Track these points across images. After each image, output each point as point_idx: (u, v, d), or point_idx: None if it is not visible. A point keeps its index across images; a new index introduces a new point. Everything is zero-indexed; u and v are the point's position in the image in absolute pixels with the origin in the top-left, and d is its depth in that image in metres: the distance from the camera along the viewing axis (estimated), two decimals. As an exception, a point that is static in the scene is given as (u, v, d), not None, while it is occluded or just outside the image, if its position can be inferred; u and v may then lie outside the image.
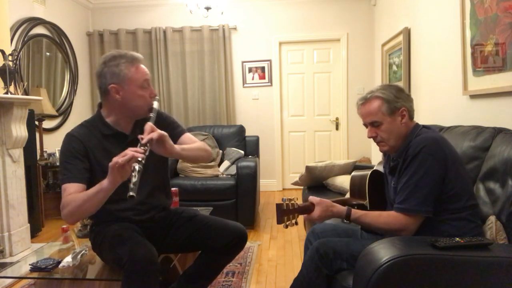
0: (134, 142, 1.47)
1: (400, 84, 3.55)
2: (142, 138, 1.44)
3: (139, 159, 1.36)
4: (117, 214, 1.65)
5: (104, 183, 1.38)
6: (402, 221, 1.41)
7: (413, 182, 1.41)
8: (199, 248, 1.80)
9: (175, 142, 1.67)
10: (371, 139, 1.58)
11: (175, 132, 1.76)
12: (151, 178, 1.70)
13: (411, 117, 1.55)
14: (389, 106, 1.51)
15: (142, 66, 1.63)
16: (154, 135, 1.45)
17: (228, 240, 1.71)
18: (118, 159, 1.33)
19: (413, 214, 1.40)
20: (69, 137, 1.62)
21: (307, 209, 1.52)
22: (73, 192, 1.48)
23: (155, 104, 1.64)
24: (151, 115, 1.59)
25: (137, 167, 1.34)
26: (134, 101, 1.60)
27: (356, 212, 1.49)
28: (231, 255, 1.79)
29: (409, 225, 1.41)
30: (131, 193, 1.30)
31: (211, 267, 1.79)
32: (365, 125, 1.58)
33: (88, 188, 1.50)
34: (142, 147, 1.40)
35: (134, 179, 1.32)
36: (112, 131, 1.65)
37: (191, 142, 1.76)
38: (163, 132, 1.49)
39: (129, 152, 1.35)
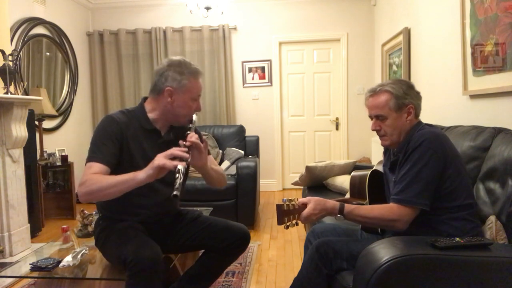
0: (166, 144, 1.51)
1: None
2: (185, 142, 1.48)
3: (185, 162, 1.40)
4: (130, 210, 1.65)
5: (140, 175, 1.39)
6: (396, 211, 1.40)
7: (411, 174, 1.40)
8: (202, 248, 1.81)
9: None
10: (371, 137, 1.58)
11: None
12: (170, 183, 1.71)
13: (417, 114, 1.55)
14: (397, 102, 1.50)
15: (200, 81, 1.69)
16: (198, 143, 1.50)
17: (231, 241, 1.72)
18: (165, 161, 1.35)
19: (408, 205, 1.39)
20: (109, 118, 1.63)
21: (300, 210, 1.51)
22: (98, 172, 1.48)
23: (195, 117, 1.68)
24: (191, 125, 1.63)
25: (182, 169, 1.37)
26: (181, 109, 1.64)
27: (349, 206, 1.47)
28: (234, 256, 1.80)
29: (403, 216, 1.39)
30: (175, 193, 1.33)
31: (214, 267, 1.80)
32: (370, 117, 1.58)
33: (111, 173, 1.51)
34: (185, 153, 1.43)
35: (179, 180, 1.35)
36: (151, 126, 1.67)
37: (214, 164, 1.80)
38: (204, 143, 1.55)
39: (176, 152, 1.39)
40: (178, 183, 1.35)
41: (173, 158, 1.39)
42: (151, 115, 1.68)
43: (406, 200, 1.39)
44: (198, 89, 1.67)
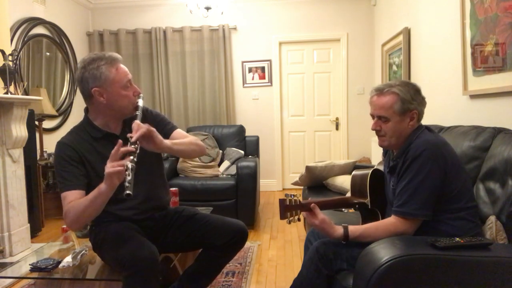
0: (125, 142, 1.47)
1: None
2: (131, 137, 1.44)
3: (131, 157, 1.37)
4: (118, 214, 1.65)
5: (102, 187, 1.38)
6: (400, 226, 1.40)
7: (412, 185, 1.40)
8: (200, 246, 1.80)
9: (167, 138, 1.66)
10: (371, 137, 1.58)
11: (166, 128, 1.76)
12: (147, 177, 1.71)
13: (419, 120, 1.54)
14: (402, 106, 1.47)
15: (122, 66, 1.62)
16: (142, 131, 1.45)
17: (229, 238, 1.72)
18: (112, 168, 1.34)
19: (411, 218, 1.40)
20: (61, 145, 1.62)
21: (302, 207, 1.52)
22: (73, 200, 1.49)
23: (140, 102, 1.64)
24: (137, 113, 1.59)
25: (130, 165, 1.35)
26: (119, 102, 1.59)
27: (354, 232, 1.44)
28: (232, 253, 1.79)
29: (408, 229, 1.40)
30: (127, 192, 1.31)
31: (212, 265, 1.79)
32: (372, 116, 1.56)
33: (87, 192, 1.50)
34: (132, 145, 1.41)
35: (128, 178, 1.34)
36: (102, 133, 1.65)
37: (183, 137, 1.75)
38: (150, 127, 1.49)
39: (119, 153, 1.37)
40: (127, 182, 1.33)
41: (122, 156, 1.37)
42: (98, 122, 1.66)
43: (410, 213, 1.39)
44: (123, 75, 1.59)
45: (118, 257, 1.43)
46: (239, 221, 1.80)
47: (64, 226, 2.08)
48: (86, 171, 1.59)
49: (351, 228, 1.45)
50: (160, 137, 1.52)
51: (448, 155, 1.42)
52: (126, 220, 1.66)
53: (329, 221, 1.48)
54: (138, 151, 1.42)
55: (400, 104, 1.48)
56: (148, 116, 1.73)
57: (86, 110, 1.70)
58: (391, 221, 1.43)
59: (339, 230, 1.46)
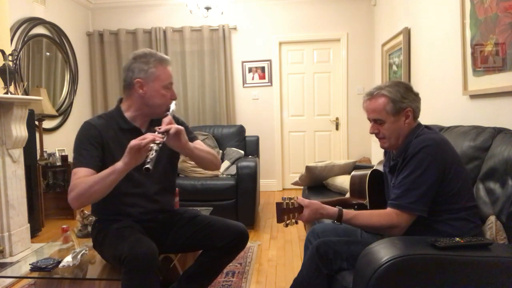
0: None
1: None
2: (159, 128, 1.50)
3: (157, 141, 1.42)
4: (122, 209, 1.66)
5: (118, 164, 1.42)
6: (394, 218, 1.40)
7: (409, 180, 1.40)
8: (200, 248, 1.80)
9: None
10: (371, 137, 1.58)
11: (189, 137, 1.79)
12: (161, 178, 1.74)
13: (415, 117, 1.55)
14: (394, 106, 1.49)
15: (169, 68, 1.68)
16: (173, 126, 1.52)
17: (230, 240, 1.72)
18: (138, 141, 1.38)
19: (405, 211, 1.40)
20: (87, 124, 1.66)
21: (300, 210, 1.53)
22: (83, 176, 1.50)
23: (173, 106, 1.69)
24: (168, 113, 1.64)
25: (154, 146, 1.40)
26: (155, 99, 1.65)
27: (348, 213, 1.47)
28: (232, 255, 1.79)
29: (401, 222, 1.40)
30: (147, 166, 1.35)
31: (212, 266, 1.79)
32: (369, 120, 1.58)
33: None
34: (160, 135, 1.46)
35: (151, 155, 1.37)
36: (129, 125, 1.68)
37: (203, 148, 1.80)
38: (180, 126, 1.55)
39: (149, 135, 1.42)
40: (149, 158, 1.37)
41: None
42: (128, 114, 1.70)
43: (404, 206, 1.39)
44: (168, 76, 1.66)
45: (117, 253, 1.44)
46: (240, 224, 1.81)
47: (64, 226, 2.08)
48: (104, 156, 1.61)
49: (346, 210, 1.48)
50: (186, 137, 1.58)
51: (448, 153, 1.43)
52: (130, 217, 1.66)
53: (316, 202, 1.51)
54: (162, 142, 1.46)
55: (391, 105, 1.49)
56: (175, 121, 1.76)
57: (120, 101, 1.74)
58: (386, 212, 1.44)
59: (332, 209, 1.49)
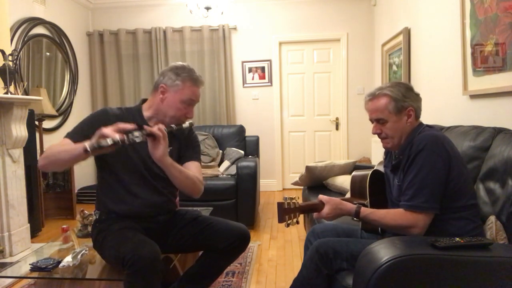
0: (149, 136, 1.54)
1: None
2: (144, 126, 1.52)
3: (129, 136, 1.43)
4: (127, 197, 1.68)
5: (85, 143, 1.43)
6: (410, 218, 1.40)
7: (419, 179, 1.40)
8: (201, 249, 1.81)
9: (183, 161, 1.75)
10: (371, 137, 1.58)
11: (188, 153, 1.81)
12: (165, 179, 1.71)
13: (417, 116, 1.55)
14: (396, 105, 1.50)
15: (197, 89, 1.71)
16: (154, 129, 1.51)
17: (231, 241, 1.72)
18: (106, 130, 1.41)
19: (422, 211, 1.40)
20: (103, 110, 1.73)
21: (314, 207, 1.54)
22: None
23: (186, 124, 1.71)
24: (172, 125, 1.65)
25: (117, 137, 1.39)
26: (170, 109, 1.68)
27: (365, 210, 1.49)
28: (234, 256, 1.80)
29: (419, 221, 1.40)
30: (87, 146, 1.39)
31: (213, 267, 1.79)
32: (371, 120, 1.59)
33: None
34: (137, 131, 1.46)
35: (103, 142, 1.39)
36: (143, 123, 1.69)
37: (195, 171, 1.76)
38: (165, 136, 1.53)
39: (121, 125, 1.45)
40: (97, 142, 1.39)
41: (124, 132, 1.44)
42: (146, 113, 1.74)
43: (418, 206, 1.39)
44: (190, 93, 1.68)
45: (119, 255, 1.43)
46: (241, 225, 1.81)
47: (64, 226, 2.08)
48: None
49: (363, 208, 1.51)
50: (164, 150, 1.54)
51: (450, 149, 1.43)
52: (131, 218, 1.66)
53: (336, 198, 1.53)
54: (132, 141, 1.44)
55: (394, 104, 1.50)
56: (186, 134, 1.81)
57: (143, 101, 1.80)
58: (401, 212, 1.43)
59: (351, 205, 1.52)
